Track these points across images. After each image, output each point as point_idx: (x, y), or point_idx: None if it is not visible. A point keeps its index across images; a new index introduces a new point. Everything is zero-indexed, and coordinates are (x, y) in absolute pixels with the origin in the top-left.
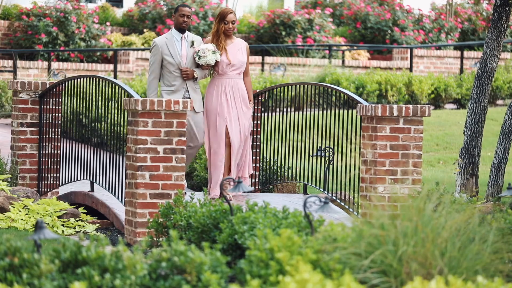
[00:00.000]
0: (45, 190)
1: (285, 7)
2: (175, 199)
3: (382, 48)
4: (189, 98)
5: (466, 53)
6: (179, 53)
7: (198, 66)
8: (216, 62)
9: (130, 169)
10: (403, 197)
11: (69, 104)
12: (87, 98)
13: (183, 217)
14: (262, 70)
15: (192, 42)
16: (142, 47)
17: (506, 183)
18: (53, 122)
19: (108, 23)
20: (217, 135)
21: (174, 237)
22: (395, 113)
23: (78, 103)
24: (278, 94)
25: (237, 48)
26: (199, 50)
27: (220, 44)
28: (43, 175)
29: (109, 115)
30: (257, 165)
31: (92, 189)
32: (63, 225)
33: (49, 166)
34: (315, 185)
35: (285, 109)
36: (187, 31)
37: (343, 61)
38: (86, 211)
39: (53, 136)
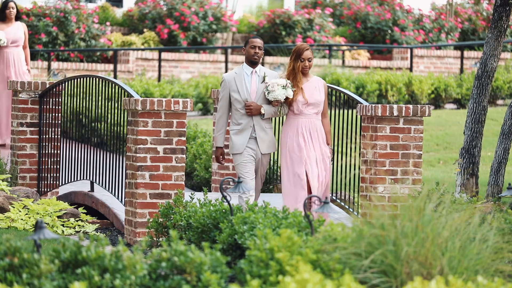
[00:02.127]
0: (45, 190)
1: (285, 7)
2: (175, 199)
3: (382, 48)
4: (255, 138)
5: (466, 53)
6: (247, 89)
7: (269, 102)
8: (292, 100)
9: (130, 169)
10: (403, 197)
11: (69, 104)
12: (87, 98)
13: (183, 217)
14: None
15: (264, 78)
16: (142, 47)
17: (506, 183)
18: (53, 122)
19: (108, 23)
20: (294, 180)
21: (174, 237)
22: (395, 113)
23: (78, 103)
24: None
25: (314, 86)
26: (268, 85)
27: (298, 83)
28: (43, 175)
29: (109, 115)
30: None
31: (92, 189)
32: (63, 225)
33: (49, 166)
34: None
35: None
36: (260, 65)
37: (343, 61)
38: (86, 211)
39: (53, 136)
